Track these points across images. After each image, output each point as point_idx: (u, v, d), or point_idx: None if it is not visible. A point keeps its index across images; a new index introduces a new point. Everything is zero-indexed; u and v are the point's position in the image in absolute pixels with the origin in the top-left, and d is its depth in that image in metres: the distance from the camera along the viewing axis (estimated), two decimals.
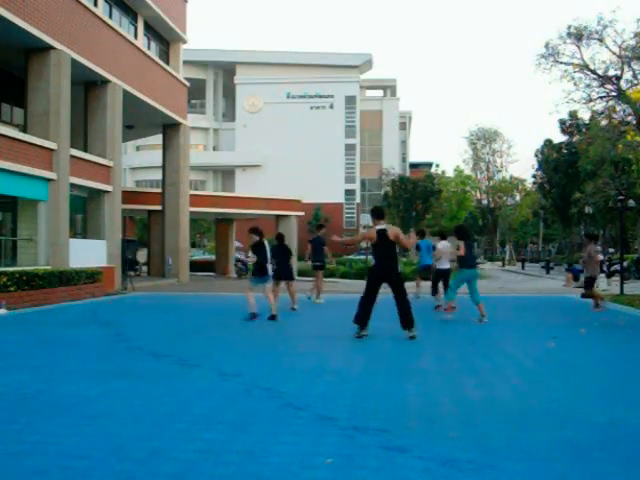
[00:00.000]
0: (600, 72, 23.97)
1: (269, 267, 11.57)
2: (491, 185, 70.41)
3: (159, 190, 29.33)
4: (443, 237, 13.86)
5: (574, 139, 45.15)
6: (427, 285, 15.66)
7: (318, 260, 15.23)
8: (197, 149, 61.34)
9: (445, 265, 13.22)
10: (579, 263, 14.16)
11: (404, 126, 74.00)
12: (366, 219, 60.30)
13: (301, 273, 30.42)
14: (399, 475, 3.55)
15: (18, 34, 16.49)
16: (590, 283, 13.62)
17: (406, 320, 8.94)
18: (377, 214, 9.25)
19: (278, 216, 38.38)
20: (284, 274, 13.68)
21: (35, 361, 7.42)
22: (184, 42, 29.08)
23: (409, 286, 16.34)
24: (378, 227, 9.05)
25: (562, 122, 47.12)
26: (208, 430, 4.42)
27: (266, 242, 11.62)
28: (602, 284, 21.79)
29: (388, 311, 12.70)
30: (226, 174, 65.45)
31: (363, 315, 9.01)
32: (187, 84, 29.18)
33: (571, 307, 13.78)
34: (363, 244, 34.09)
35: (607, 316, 12.48)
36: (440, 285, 13.77)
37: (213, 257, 42.32)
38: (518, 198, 70.15)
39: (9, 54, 18.04)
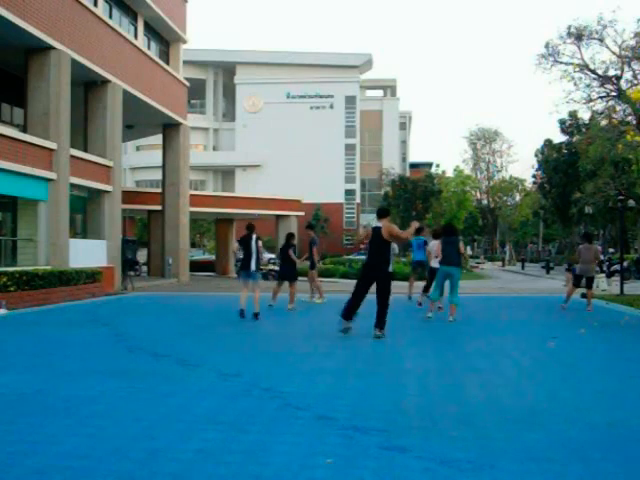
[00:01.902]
0: (600, 72, 24.00)
1: (253, 263, 11.38)
2: (491, 185, 70.42)
3: (159, 190, 29.34)
4: (435, 236, 13.86)
5: (574, 139, 45.08)
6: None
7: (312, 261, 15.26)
8: (197, 149, 61.30)
9: (436, 264, 13.15)
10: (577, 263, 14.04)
11: (404, 126, 73.97)
12: (366, 219, 60.31)
13: (302, 273, 30.38)
14: (399, 475, 3.55)
15: (18, 34, 16.49)
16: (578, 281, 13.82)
17: (379, 321, 9.11)
18: (378, 213, 9.58)
19: (278, 216, 38.40)
20: (285, 274, 13.71)
21: (35, 361, 7.42)
22: (184, 42, 29.09)
23: (403, 286, 16.32)
24: (375, 224, 9.31)
25: (562, 122, 47.06)
26: (208, 430, 4.42)
27: (254, 238, 11.49)
28: (602, 284, 21.80)
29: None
30: (226, 174, 65.40)
31: (351, 309, 9.16)
32: (187, 84, 29.18)
33: (571, 307, 13.77)
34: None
35: (607, 316, 12.48)
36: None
37: (213, 257, 42.30)
38: (518, 198, 70.15)
39: (9, 54, 18.04)
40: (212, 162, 64.24)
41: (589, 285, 13.85)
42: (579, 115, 43.94)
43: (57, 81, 17.79)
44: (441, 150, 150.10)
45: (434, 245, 13.04)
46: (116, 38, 21.80)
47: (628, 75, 23.96)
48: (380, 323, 9.11)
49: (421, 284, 16.39)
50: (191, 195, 29.59)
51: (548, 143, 51.13)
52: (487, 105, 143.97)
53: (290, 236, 14.22)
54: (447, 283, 11.54)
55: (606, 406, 5.19)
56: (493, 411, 4.97)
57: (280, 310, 13.27)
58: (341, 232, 59.72)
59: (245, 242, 11.53)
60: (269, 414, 4.86)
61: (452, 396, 5.46)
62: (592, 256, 13.69)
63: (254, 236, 11.52)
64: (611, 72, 23.98)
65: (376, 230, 9.19)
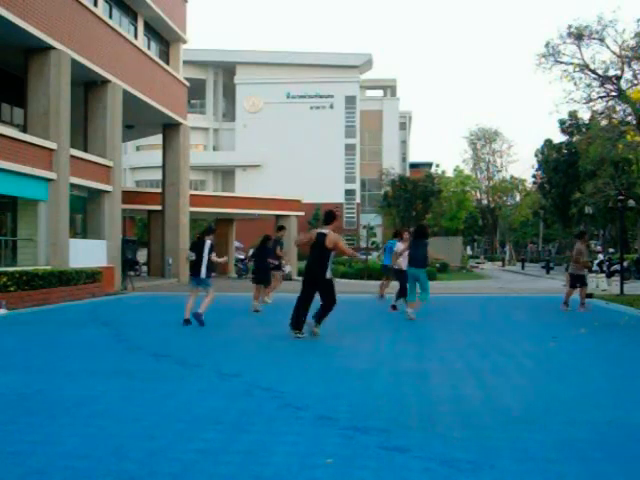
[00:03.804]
0: (600, 72, 24.02)
1: (203, 269, 10.81)
2: (491, 185, 70.49)
3: (159, 190, 29.33)
4: (398, 236, 13.89)
5: (574, 139, 45.11)
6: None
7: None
8: (197, 149, 61.28)
9: (404, 266, 13.24)
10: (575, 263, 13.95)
11: (404, 126, 73.97)
12: (366, 219, 60.41)
13: (299, 273, 30.52)
14: (399, 475, 3.55)
15: (18, 34, 16.49)
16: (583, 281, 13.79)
17: (318, 316, 9.02)
18: (326, 219, 9.36)
19: (278, 216, 38.38)
20: (259, 277, 13.59)
21: (35, 361, 7.42)
22: (184, 42, 29.08)
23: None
24: (320, 230, 9.14)
25: (562, 122, 47.09)
26: (208, 430, 4.42)
27: (207, 242, 10.95)
28: (602, 284, 21.80)
29: (384, 312, 12.71)
30: (226, 174, 65.40)
31: (297, 319, 9.04)
32: (187, 84, 29.18)
33: (571, 307, 13.77)
34: (362, 243, 34.11)
35: (607, 316, 12.48)
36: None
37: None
38: (518, 198, 70.21)
39: (9, 54, 18.03)
40: (212, 162, 64.24)
41: (585, 283, 13.95)
42: (579, 115, 44.00)
43: (57, 81, 17.78)
44: (441, 150, 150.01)
45: (399, 247, 13.19)
46: (116, 38, 21.79)
47: (628, 75, 23.99)
48: (319, 318, 9.01)
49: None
50: (191, 195, 29.57)
51: (548, 143, 51.18)
52: (487, 105, 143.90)
53: (267, 238, 14.05)
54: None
55: (606, 406, 5.19)
56: (493, 411, 4.97)
57: (279, 310, 13.28)
58: (341, 232, 59.68)
59: (197, 247, 11.02)
60: (269, 414, 4.86)
61: (452, 396, 5.46)
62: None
63: (208, 242, 10.98)
64: (611, 72, 24.00)
65: (320, 237, 8.99)
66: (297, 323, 9.01)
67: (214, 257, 10.85)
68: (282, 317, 12.34)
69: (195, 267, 10.92)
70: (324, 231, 9.06)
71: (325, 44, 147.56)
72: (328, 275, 9.00)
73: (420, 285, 11.55)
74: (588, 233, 47.53)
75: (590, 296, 16.46)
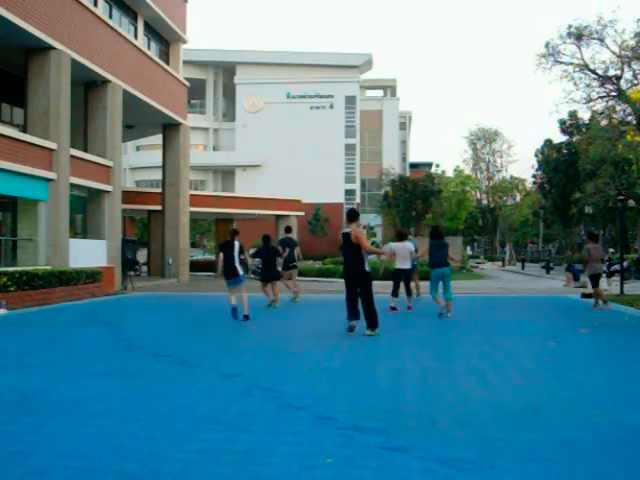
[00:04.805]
0: (600, 72, 24.02)
1: (238, 268, 11.28)
2: (491, 185, 70.50)
3: (159, 190, 29.34)
4: (400, 238, 14.02)
5: (574, 139, 45.11)
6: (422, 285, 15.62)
7: (292, 261, 15.23)
8: (197, 149, 61.24)
9: (402, 265, 13.25)
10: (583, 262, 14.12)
11: (404, 126, 73.93)
12: (366, 219, 60.47)
13: (300, 273, 30.52)
14: (399, 475, 3.55)
15: (18, 34, 16.50)
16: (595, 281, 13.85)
17: (368, 322, 9.28)
18: (348, 217, 9.62)
19: (278, 216, 38.39)
20: (268, 274, 13.79)
21: (35, 361, 7.42)
22: (184, 42, 29.10)
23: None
24: (344, 231, 9.36)
25: (562, 122, 47.09)
26: (208, 430, 4.42)
27: (236, 243, 11.38)
28: (602, 284, 21.77)
29: (383, 312, 12.70)
30: (226, 174, 65.36)
31: (351, 310, 9.40)
32: (187, 84, 29.19)
33: (571, 307, 13.78)
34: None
35: (607, 316, 12.48)
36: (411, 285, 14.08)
37: (213, 257, 42.31)
38: (518, 198, 70.23)
39: (9, 54, 18.04)
40: (212, 162, 64.20)
41: (598, 283, 14.01)
42: (579, 115, 44.01)
43: (57, 81, 17.79)
44: (441, 150, 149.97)
45: (396, 247, 13.22)
46: (116, 38, 21.80)
47: (628, 75, 23.99)
48: (370, 323, 9.26)
49: (421, 283, 16.42)
50: (191, 195, 29.60)
51: (548, 143, 51.17)
52: (487, 105, 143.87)
53: (267, 237, 14.33)
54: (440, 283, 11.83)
55: (606, 406, 5.18)
56: (493, 411, 4.97)
57: (278, 310, 13.29)
58: (340, 232, 59.58)
59: (227, 248, 11.36)
60: (269, 414, 4.86)
61: (452, 396, 5.45)
62: (600, 254, 13.94)
63: (236, 243, 11.42)
64: (611, 72, 24.00)
65: (345, 236, 9.27)
66: (353, 314, 9.36)
67: (245, 257, 11.36)
68: (281, 317, 12.36)
69: (229, 269, 11.19)
70: (348, 230, 9.31)
71: (325, 44, 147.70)
72: (367, 268, 9.26)
73: (445, 285, 11.77)
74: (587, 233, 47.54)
75: (590, 296, 16.46)
